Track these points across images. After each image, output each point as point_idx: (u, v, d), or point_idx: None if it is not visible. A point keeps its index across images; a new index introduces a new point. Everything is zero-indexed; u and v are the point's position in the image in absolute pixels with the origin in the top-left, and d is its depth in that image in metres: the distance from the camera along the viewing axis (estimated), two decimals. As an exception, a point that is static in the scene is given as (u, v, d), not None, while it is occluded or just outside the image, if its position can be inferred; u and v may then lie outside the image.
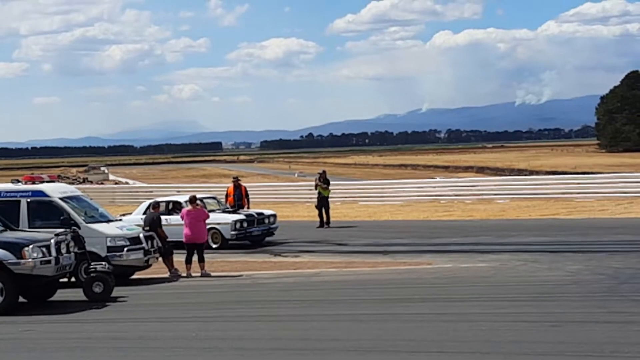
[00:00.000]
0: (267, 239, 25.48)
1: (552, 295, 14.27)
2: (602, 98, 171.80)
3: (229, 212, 25.56)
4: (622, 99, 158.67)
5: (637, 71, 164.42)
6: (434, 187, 41.78)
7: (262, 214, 25.61)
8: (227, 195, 27.98)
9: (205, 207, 24.36)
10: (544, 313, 12.57)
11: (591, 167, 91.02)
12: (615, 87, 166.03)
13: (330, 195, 30.72)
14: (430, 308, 13.54)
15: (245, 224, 24.61)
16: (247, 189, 28.93)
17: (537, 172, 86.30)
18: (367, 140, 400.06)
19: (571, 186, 37.10)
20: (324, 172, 32.26)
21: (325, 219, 29.73)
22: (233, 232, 24.27)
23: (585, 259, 18.33)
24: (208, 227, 22.89)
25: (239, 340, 11.67)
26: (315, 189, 30.73)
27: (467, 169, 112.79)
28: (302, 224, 26.35)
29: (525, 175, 77.82)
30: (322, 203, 30.01)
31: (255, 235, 25.07)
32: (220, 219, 24.36)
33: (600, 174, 51.90)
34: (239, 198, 27.47)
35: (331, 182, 31.85)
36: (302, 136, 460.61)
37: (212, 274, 19.19)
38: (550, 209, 31.55)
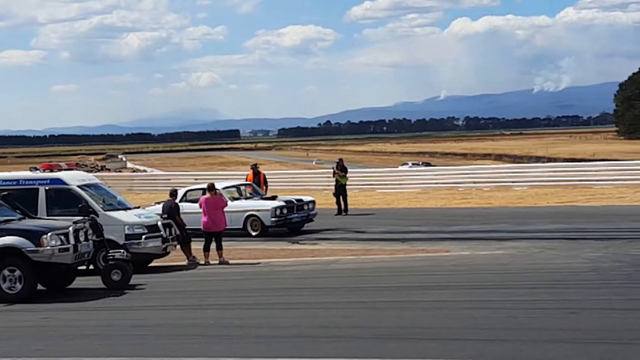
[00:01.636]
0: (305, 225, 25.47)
1: (570, 282, 14.22)
2: (620, 85, 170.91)
3: (267, 199, 25.27)
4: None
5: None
6: (452, 174, 41.71)
7: (301, 200, 25.35)
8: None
9: (242, 195, 24.22)
10: (562, 300, 12.54)
11: (610, 154, 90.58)
12: (634, 73, 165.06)
13: (347, 183, 30.74)
14: (449, 295, 13.52)
15: (285, 211, 24.28)
16: (266, 176, 29.00)
17: (555, 160, 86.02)
18: (384, 128, 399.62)
19: (589, 173, 36.95)
20: (341, 159, 32.38)
21: (343, 206, 29.76)
22: (273, 219, 23.96)
23: (604, 246, 18.25)
24: (247, 214, 23.65)
25: (257, 328, 11.69)
26: (333, 176, 30.76)
27: (485, 156, 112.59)
28: (320, 211, 26.31)
29: (544, 162, 77.56)
30: (340, 191, 30.05)
31: (295, 222, 24.76)
32: (260, 206, 24.20)
33: (619, 161, 51.66)
34: (257, 185, 27.50)
35: (349, 170, 31.91)
36: (319, 124, 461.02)
37: (230, 261, 19.23)
38: (569, 196, 31.43)
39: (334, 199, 30.13)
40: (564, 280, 14.45)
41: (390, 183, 41.38)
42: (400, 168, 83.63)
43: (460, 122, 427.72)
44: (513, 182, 37.31)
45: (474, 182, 38.52)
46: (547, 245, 18.97)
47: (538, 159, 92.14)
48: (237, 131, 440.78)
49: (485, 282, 14.80)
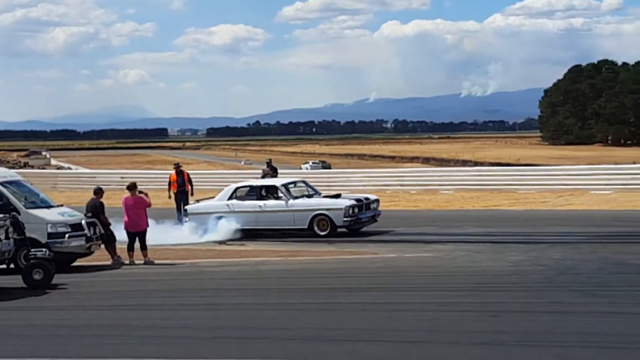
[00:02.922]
0: None
1: (493, 285, 14.43)
2: (545, 91, 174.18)
3: (332, 197, 23.67)
4: (565, 93, 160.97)
5: (580, 65, 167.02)
6: (380, 177, 41.97)
7: (368, 199, 23.76)
8: (170, 183, 27.72)
9: (288, 194, 22.97)
10: (485, 303, 12.71)
11: (534, 159, 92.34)
12: (558, 80, 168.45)
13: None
14: (374, 297, 13.60)
15: (356, 210, 22.79)
16: (190, 175, 28.81)
17: (482, 164, 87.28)
18: (314, 129, 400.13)
19: (514, 178, 37.49)
20: (271, 160, 32.52)
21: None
22: (346, 219, 22.33)
23: (526, 250, 18.56)
24: (315, 213, 22.45)
25: (182, 328, 11.61)
26: (262, 177, 30.75)
27: (413, 159, 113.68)
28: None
29: (470, 166, 78.64)
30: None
31: (364, 221, 23.19)
32: (331, 205, 22.64)
33: (543, 166, 52.62)
34: (182, 184, 27.31)
35: (279, 171, 32.00)
36: (249, 124, 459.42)
37: (156, 261, 19.05)
38: (494, 200, 31.88)
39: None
40: (488, 283, 14.66)
41: (318, 185, 41.39)
42: (303, 167, 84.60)
43: (389, 125, 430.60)
44: (440, 185, 37.70)
45: (402, 185, 38.82)
46: (473, 248, 19.21)
47: (465, 163, 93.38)
48: (165, 130, 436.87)
49: (410, 285, 14.93)
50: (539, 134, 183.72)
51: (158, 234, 21.92)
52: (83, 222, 18.52)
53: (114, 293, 15.45)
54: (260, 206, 22.64)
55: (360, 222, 22.90)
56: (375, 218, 23.60)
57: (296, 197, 23.01)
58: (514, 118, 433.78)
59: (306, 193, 23.50)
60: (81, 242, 18.30)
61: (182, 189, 27.18)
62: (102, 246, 19.28)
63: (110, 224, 19.44)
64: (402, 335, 10.66)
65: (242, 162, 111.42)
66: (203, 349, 10.25)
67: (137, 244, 19.24)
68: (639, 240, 19.58)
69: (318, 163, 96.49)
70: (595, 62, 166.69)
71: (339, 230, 22.48)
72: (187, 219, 23.45)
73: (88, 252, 18.76)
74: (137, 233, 19.22)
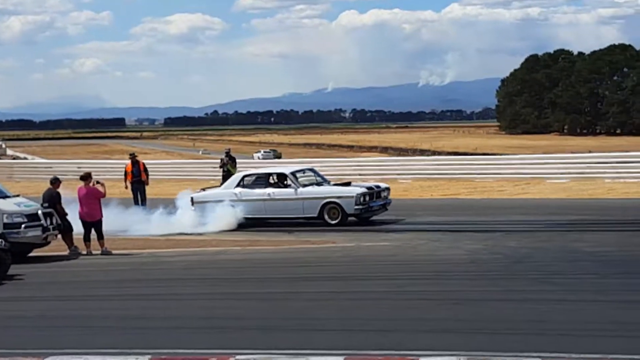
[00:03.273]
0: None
1: (452, 273, 14.53)
2: (502, 81, 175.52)
3: (342, 185, 23.24)
4: (522, 82, 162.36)
5: (536, 55, 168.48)
6: (338, 166, 42.02)
7: (379, 187, 23.35)
8: (125, 173, 27.54)
9: (297, 182, 22.49)
10: (444, 291, 12.81)
11: (491, 148, 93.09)
12: (515, 70, 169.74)
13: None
14: (334, 287, 13.63)
15: (367, 198, 22.29)
16: (147, 165, 28.66)
17: (440, 153, 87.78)
18: (272, 119, 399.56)
19: (472, 167, 37.74)
20: (229, 150, 32.50)
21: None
22: (357, 207, 21.86)
23: (484, 238, 18.70)
24: (325, 201, 21.96)
25: (139, 319, 11.56)
26: (221, 167, 30.74)
27: (371, 148, 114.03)
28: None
29: (428, 155, 79.03)
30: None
31: (375, 210, 22.74)
32: (341, 193, 22.17)
33: (500, 155, 53.05)
34: (137, 174, 27.16)
35: (237, 161, 31.99)
36: (207, 113, 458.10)
37: (114, 251, 18.91)
38: (452, 189, 32.07)
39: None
40: (447, 271, 14.76)
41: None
42: (255, 156, 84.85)
43: (347, 114, 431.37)
44: (398, 174, 37.83)
45: (360, 175, 38.87)
46: (431, 237, 19.31)
47: (423, 152, 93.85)
48: (123, 119, 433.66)
49: (369, 273, 14.98)
50: (497, 124, 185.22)
51: (160, 224, 21.79)
52: (39, 212, 18.33)
53: (71, 284, 15.32)
54: (268, 194, 22.31)
55: (371, 210, 22.47)
56: (385, 206, 23.13)
57: (305, 185, 22.58)
58: (472, 107, 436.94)
59: (315, 181, 23.11)
60: (37, 232, 18.11)
61: (138, 179, 27.06)
62: (59, 236, 19.12)
63: (67, 214, 19.26)
64: (363, 324, 10.69)
65: (200, 152, 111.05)
66: (161, 339, 10.21)
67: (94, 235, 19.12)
68: (594, 229, 19.80)
69: (270, 152, 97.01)
70: (552, 51, 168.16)
71: (349, 218, 22.04)
72: (193, 208, 22.96)
73: (44, 243, 18.58)
74: (92, 223, 19.06)
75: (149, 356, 9.29)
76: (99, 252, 18.86)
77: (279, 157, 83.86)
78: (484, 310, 11.26)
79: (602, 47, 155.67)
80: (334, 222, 21.89)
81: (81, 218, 19.13)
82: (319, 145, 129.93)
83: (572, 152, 53.45)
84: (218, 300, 12.86)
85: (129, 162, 28.06)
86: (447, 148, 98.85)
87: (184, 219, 22.54)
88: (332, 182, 23.73)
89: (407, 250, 17.52)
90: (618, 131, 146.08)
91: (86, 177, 19.50)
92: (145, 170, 27.60)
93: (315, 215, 22.09)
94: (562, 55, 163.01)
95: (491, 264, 15.24)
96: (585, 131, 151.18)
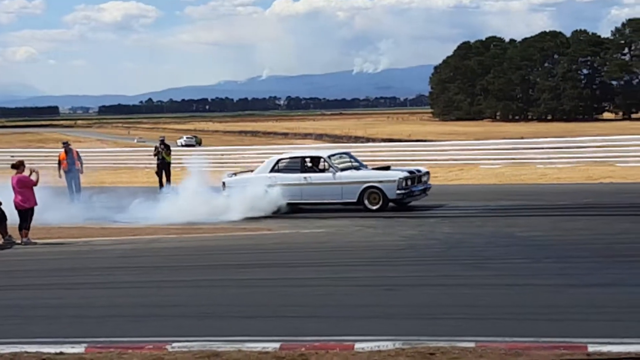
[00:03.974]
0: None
1: (387, 259, 14.66)
2: (435, 68, 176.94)
3: (382, 169, 22.43)
4: (455, 69, 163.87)
5: (468, 42, 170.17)
6: (273, 154, 41.95)
7: (419, 171, 22.58)
8: (59, 161, 27.21)
9: (336, 166, 21.86)
10: (379, 277, 12.91)
11: (425, 135, 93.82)
12: (448, 57, 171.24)
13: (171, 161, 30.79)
14: (268, 273, 13.66)
15: (409, 182, 21.53)
16: (81, 153, 28.37)
17: (374, 140, 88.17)
18: (207, 107, 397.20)
19: (406, 153, 38.03)
20: (164, 137, 32.40)
21: (165, 184, 29.64)
22: (400, 192, 21.11)
23: (418, 224, 18.89)
24: (365, 186, 21.21)
25: (76, 308, 11.47)
26: (155, 155, 30.61)
27: (306, 136, 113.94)
28: (142, 189, 25.93)
29: (363, 142, 79.37)
30: (164, 168, 30.19)
31: (415, 195, 21.91)
32: (382, 177, 21.34)
33: (433, 142, 53.53)
34: (71, 162, 26.87)
35: (172, 148, 31.87)
36: (141, 101, 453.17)
37: (48, 240, 18.67)
38: (386, 176, 32.25)
39: (157, 178, 30.24)
40: (382, 257, 14.87)
41: (212, 162, 41.24)
42: (178, 142, 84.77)
43: (282, 102, 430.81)
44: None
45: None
46: (366, 223, 19.44)
47: (357, 139, 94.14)
48: (56, 108, 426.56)
49: (304, 260, 15.05)
50: (430, 110, 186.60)
51: (188, 210, 21.19)
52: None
53: (4, 273, 15.11)
54: (305, 178, 21.69)
55: (412, 195, 21.75)
56: (426, 191, 22.44)
57: (344, 169, 21.88)
58: (405, 94, 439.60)
59: (351, 165, 22.30)
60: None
61: (71, 167, 26.80)
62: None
63: (0, 203, 18.97)
64: (297, 310, 10.75)
65: (135, 140, 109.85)
66: (98, 328, 10.15)
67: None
68: (527, 214, 20.15)
69: (192, 138, 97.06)
70: (484, 39, 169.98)
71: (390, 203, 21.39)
72: (225, 193, 22.30)
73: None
74: (25, 212, 18.82)
75: (85, 345, 9.24)
76: (20, 241, 18.55)
77: (200, 144, 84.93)
78: (419, 296, 11.40)
79: (533, 34, 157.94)
80: (375, 207, 21.21)
81: (16, 207, 18.86)
82: (254, 133, 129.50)
83: (505, 138, 54.14)
84: (154, 288, 12.81)
85: (62, 150, 27.73)
86: (381, 135, 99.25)
87: (217, 206, 21.70)
88: (369, 167, 23.13)
89: (342, 237, 17.62)
90: (549, 117, 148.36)
91: (18, 166, 19.23)
92: (79, 158, 27.32)
93: (355, 200, 21.42)
94: (493, 42, 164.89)
95: (426, 250, 15.41)
96: (517, 117, 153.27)
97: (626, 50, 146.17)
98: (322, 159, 22.13)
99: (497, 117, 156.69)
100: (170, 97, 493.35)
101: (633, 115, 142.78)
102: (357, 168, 22.18)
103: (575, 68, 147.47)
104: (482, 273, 12.89)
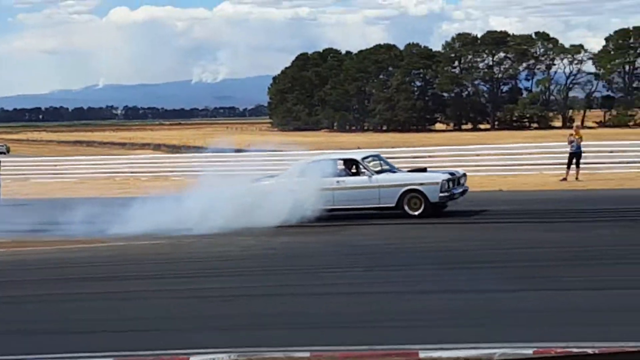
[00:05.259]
0: None
1: (227, 270, 14.57)
2: (274, 78, 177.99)
3: (418, 171, 21.04)
4: (293, 80, 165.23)
5: (306, 53, 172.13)
6: (110, 164, 41.28)
7: (458, 173, 21.02)
8: None
9: (371, 169, 20.19)
10: (219, 288, 12.78)
11: (264, 144, 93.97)
12: (286, 68, 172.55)
13: (3, 172, 29.73)
14: (102, 287, 13.29)
15: (450, 185, 19.95)
16: None
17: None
18: (40, 116, 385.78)
19: (241, 163, 37.93)
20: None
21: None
22: (442, 194, 19.56)
23: (257, 234, 18.67)
24: (405, 189, 19.56)
25: None
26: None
27: (143, 146, 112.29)
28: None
29: (201, 152, 78.83)
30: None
31: (455, 198, 20.31)
32: (424, 179, 19.79)
33: (274, 151, 53.69)
34: None
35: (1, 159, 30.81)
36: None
37: None
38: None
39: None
40: (221, 268, 14.77)
41: (46, 173, 40.10)
42: None
43: (119, 112, 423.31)
44: (171, 171, 37.59)
45: (132, 172, 38.32)
46: (204, 234, 19.21)
47: (198, 149, 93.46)
48: None
49: (143, 273, 14.74)
50: (269, 121, 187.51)
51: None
52: None
53: None
54: (338, 182, 20.00)
55: (453, 198, 20.23)
56: (463, 194, 20.82)
57: (379, 172, 20.42)
58: (245, 104, 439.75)
59: (383, 169, 20.72)
60: None
61: None
62: None
63: None
64: (134, 324, 10.51)
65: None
66: None
67: None
68: (374, 222, 19.78)
69: (3, 146, 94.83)
70: (321, 50, 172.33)
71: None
72: (249, 199, 20.11)
73: None
74: None
75: None
76: None
77: (8, 152, 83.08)
78: (256, 306, 11.35)
79: (369, 46, 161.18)
80: (417, 213, 19.59)
81: None
82: (89, 143, 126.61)
83: (342, 149, 54.92)
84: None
85: None
86: (221, 145, 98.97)
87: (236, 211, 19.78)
88: (404, 170, 21.69)
89: (182, 248, 17.38)
90: (385, 128, 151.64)
91: None
92: None
93: (393, 205, 19.76)
94: (330, 54, 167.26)
95: (265, 260, 15.39)
96: (354, 128, 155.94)
97: (456, 63, 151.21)
98: (356, 162, 20.60)
99: (335, 127, 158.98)
100: (1, 106, 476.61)
101: (463, 126, 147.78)
102: (392, 171, 20.86)
103: (408, 80, 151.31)
104: (318, 282, 12.95)
